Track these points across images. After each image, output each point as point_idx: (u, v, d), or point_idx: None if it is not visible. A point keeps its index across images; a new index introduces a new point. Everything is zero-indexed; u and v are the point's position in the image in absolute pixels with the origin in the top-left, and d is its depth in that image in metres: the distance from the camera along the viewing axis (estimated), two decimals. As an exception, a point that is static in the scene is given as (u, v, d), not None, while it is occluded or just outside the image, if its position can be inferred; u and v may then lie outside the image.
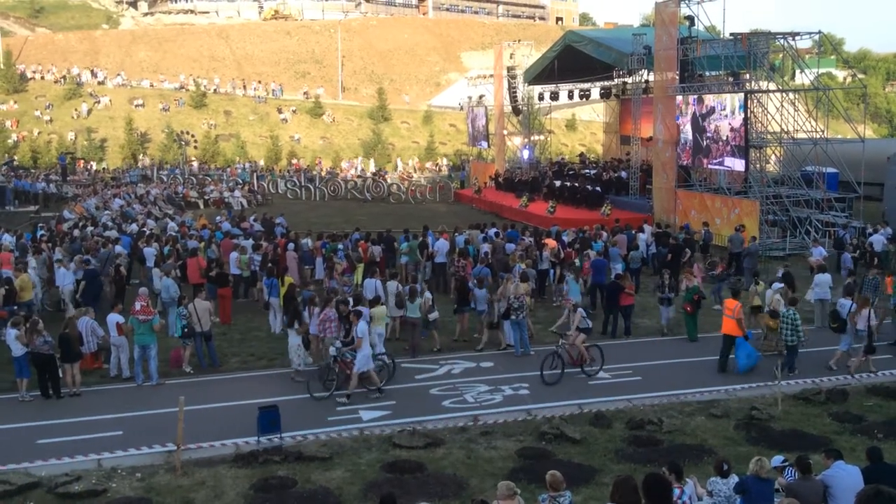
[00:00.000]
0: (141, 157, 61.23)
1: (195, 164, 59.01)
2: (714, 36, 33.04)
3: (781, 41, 29.84)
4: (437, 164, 65.78)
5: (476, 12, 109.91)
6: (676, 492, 8.27)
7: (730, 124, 28.87)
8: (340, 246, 24.14)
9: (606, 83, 43.61)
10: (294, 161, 64.27)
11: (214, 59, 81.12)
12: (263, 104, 72.56)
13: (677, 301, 19.48)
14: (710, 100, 30.09)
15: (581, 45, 40.19)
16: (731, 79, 30.08)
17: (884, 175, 32.76)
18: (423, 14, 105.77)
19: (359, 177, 56.21)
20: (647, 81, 36.51)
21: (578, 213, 34.90)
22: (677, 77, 31.35)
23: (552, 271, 22.54)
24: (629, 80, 39.09)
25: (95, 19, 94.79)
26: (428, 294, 18.28)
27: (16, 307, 18.39)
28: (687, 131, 31.52)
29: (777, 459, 9.81)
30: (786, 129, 29.19)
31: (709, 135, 30.04)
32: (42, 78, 71.04)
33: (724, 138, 29.20)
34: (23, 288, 19.35)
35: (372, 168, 62.02)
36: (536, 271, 21.91)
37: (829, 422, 13.49)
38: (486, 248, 23.91)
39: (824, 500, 8.80)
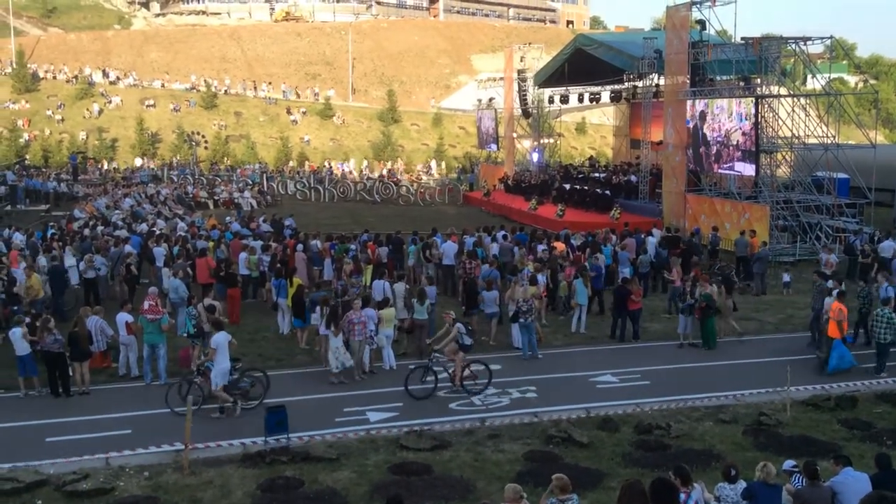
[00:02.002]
0: (143, 158, 61.49)
1: (210, 165, 59.32)
2: (725, 40, 32.93)
3: (793, 46, 29.74)
4: (427, 166, 65.86)
5: (486, 15, 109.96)
6: (682, 496, 8.25)
7: (740, 129, 28.77)
8: (352, 247, 24.20)
9: (617, 87, 43.51)
10: (310, 163, 64.39)
11: (225, 60, 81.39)
12: (274, 105, 72.76)
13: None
14: (709, 104, 30.02)
15: (592, 48, 40.13)
16: (742, 83, 29.99)
17: (895, 181, 32.59)
18: (434, 16, 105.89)
19: (368, 178, 56.32)
20: (657, 85, 36.44)
21: (588, 217, 34.82)
22: (688, 81, 31.27)
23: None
24: (640, 83, 39.01)
25: (107, 19, 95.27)
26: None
27: (16, 308, 18.51)
28: (698, 135, 31.44)
29: (788, 464, 9.76)
30: (796, 134, 29.07)
31: (719, 138, 29.94)
32: (54, 78, 71.41)
33: (735, 143, 29.11)
34: (33, 287, 19.46)
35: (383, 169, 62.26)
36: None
37: (837, 428, 13.42)
38: (495, 248, 23.93)
39: (833, 506, 8.78)
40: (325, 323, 16.24)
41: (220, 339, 14.15)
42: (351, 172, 61.72)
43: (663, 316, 20.84)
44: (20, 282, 19.73)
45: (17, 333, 15.23)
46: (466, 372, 15.35)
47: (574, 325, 19.72)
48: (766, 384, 15.57)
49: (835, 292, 17.49)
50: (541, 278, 20.00)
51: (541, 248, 23.74)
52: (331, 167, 62.69)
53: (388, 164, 65.55)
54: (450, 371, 15.43)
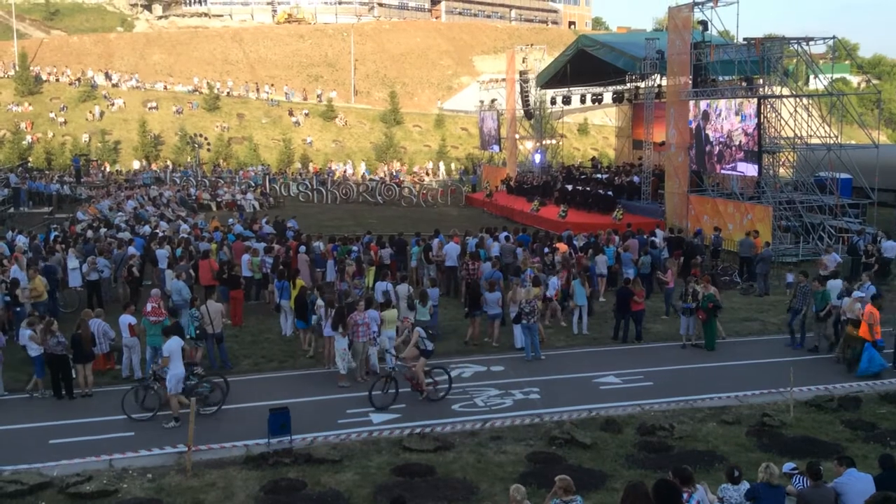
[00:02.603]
0: (139, 161, 61.55)
1: (213, 167, 59.44)
2: (727, 41, 32.93)
3: (795, 46, 29.71)
4: (434, 168, 65.91)
5: (489, 16, 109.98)
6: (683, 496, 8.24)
7: (743, 129, 28.75)
8: (355, 248, 24.22)
9: (619, 87, 43.54)
10: (313, 165, 64.41)
11: (228, 63, 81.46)
12: (276, 107, 72.83)
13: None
14: (715, 104, 29.99)
15: (594, 49, 40.14)
16: (744, 83, 29.97)
17: (898, 181, 32.58)
18: (436, 18, 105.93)
19: (371, 179, 56.36)
20: (659, 86, 36.43)
21: (590, 218, 34.81)
22: (690, 81, 31.26)
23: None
24: (642, 84, 39.03)
25: (110, 22, 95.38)
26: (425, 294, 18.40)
27: (19, 309, 18.55)
28: (700, 136, 31.43)
29: (787, 466, 9.76)
30: (799, 135, 29.05)
31: (721, 139, 29.91)
32: (57, 80, 71.51)
33: (737, 143, 29.09)
34: (36, 289, 19.48)
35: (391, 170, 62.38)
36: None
37: (841, 429, 13.40)
38: (495, 249, 23.94)
39: (836, 507, 8.76)
40: (331, 324, 16.23)
41: (173, 345, 13.95)
42: (353, 174, 61.79)
43: (662, 318, 20.79)
44: (23, 284, 19.74)
45: (25, 335, 15.27)
46: (428, 378, 15.06)
47: (575, 326, 19.71)
48: (770, 385, 15.56)
49: (854, 293, 17.49)
50: (555, 281, 19.92)
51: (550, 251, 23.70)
52: (331, 169, 62.77)
53: (398, 166, 65.69)
54: (410, 377, 15.07)
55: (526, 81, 46.83)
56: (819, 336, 18.07)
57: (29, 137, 62.81)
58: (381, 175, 60.28)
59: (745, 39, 31.21)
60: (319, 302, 17.45)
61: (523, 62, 47.07)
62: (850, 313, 16.92)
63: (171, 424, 13.71)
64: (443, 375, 15.34)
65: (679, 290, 19.71)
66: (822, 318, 17.98)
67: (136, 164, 61.10)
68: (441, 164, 66.92)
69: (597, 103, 47.54)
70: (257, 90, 75.36)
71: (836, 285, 19.35)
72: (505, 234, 26.16)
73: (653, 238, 25.76)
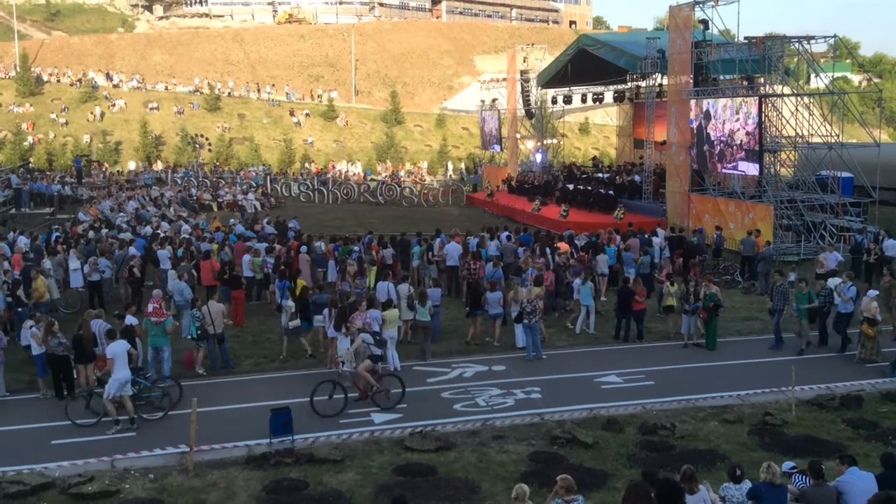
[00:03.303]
0: (136, 162, 61.56)
1: (214, 167, 59.47)
2: (728, 40, 32.91)
3: (796, 45, 29.69)
4: (417, 167, 65.92)
5: (489, 16, 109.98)
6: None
7: (744, 128, 28.73)
8: (356, 248, 24.22)
9: (620, 87, 43.53)
10: (315, 165, 64.41)
11: (229, 63, 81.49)
12: (277, 107, 72.85)
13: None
14: (716, 103, 29.97)
15: (595, 48, 40.13)
16: (745, 82, 29.96)
17: (899, 179, 32.56)
18: (437, 18, 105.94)
19: (372, 179, 56.39)
20: (660, 85, 36.42)
21: (591, 217, 34.79)
22: (691, 81, 31.24)
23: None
24: (643, 83, 39.01)
25: (111, 23, 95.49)
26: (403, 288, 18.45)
27: (21, 310, 18.56)
28: (702, 135, 31.42)
29: (787, 465, 9.75)
30: (800, 134, 29.05)
31: (722, 138, 29.90)
32: (58, 81, 71.54)
33: (738, 142, 29.07)
34: (38, 289, 19.49)
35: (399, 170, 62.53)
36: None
37: (843, 428, 13.40)
38: (493, 248, 23.93)
39: (838, 506, 8.76)
40: (333, 325, 16.22)
41: (117, 348, 13.75)
42: (356, 174, 61.79)
43: (656, 315, 20.68)
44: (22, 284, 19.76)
45: (28, 333, 15.28)
46: (372, 382, 14.72)
47: (579, 325, 19.70)
48: (771, 384, 15.57)
49: (871, 293, 17.47)
50: (578, 283, 19.86)
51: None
52: (335, 169, 62.83)
53: (409, 166, 65.83)
54: (359, 384, 14.80)
55: (527, 81, 46.82)
56: (803, 337, 17.94)
57: (30, 138, 62.83)
58: (384, 175, 60.24)
59: (746, 38, 31.23)
60: (290, 303, 17.77)
61: (524, 62, 47.05)
62: (866, 312, 16.91)
63: (113, 430, 13.48)
64: (397, 388, 14.75)
65: (681, 291, 19.69)
66: (814, 317, 17.94)
67: (131, 165, 61.01)
68: (449, 163, 66.81)
69: (598, 103, 47.51)
70: (258, 90, 75.38)
71: (835, 284, 19.37)
72: (506, 233, 26.15)
73: (653, 237, 25.75)
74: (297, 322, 17.76)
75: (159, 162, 62.12)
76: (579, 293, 19.65)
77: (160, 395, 14.38)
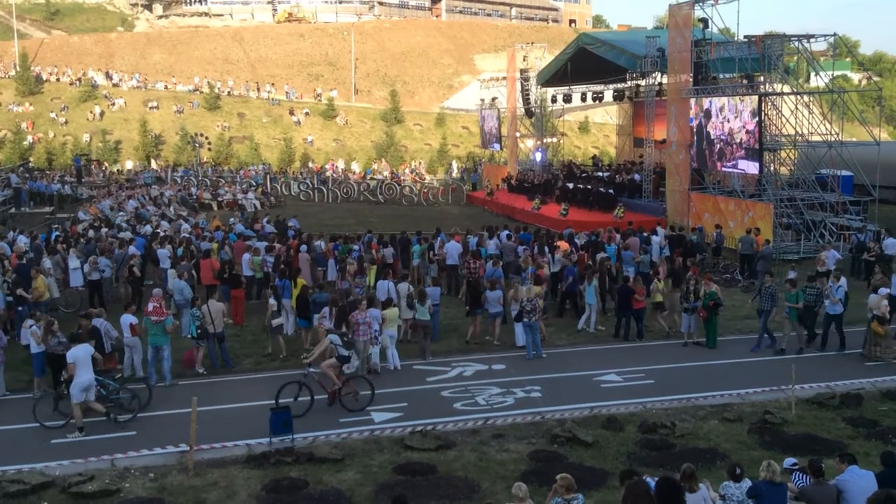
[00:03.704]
0: (133, 162, 61.48)
1: (213, 166, 59.45)
2: (728, 38, 32.90)
3: (796, 43, 29.68)
4: (414, 167, 65.86)
5: (489, 15, 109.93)
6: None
7: (744, 126, 28.73)
8: (356, 247, 24.22)
9: (620, 86, 43.53)
10: (315, 165, 64.40)
11: (228, 62, 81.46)
12: (277, 106, 72.82)
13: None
14: (716, 102, 29.97)
15: (594, 47, 40.12)
16: (745, 81, 29.96)
17: (899, 178, 32.56)
18: (436, 16, 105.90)
19: (372, 178, 56.39)
20: (660, 84, 36.40)
21: (591, 216, 34.80)
22: (691, 79, 31.24)
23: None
24: (642, 82, 39.01)
25: (110, 22, 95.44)
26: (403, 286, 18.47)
27: (21, 308, 18.56)
28: (702, 134, 31.43)
29: (788, 462, 9.75)
30: (800, 132, 29.04)
31: (722, 136, 29.89)
32: (57, 80, 71.52)
33: (738, 141, 29.07)
34: (38, 289, 19.51)
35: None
36: (550, 273, 21.81)
37: (842, 426, 13.40)
38: (492, 246, 23.93)
39: (838, 504, 8.75)
40: (334, 324, 16.22)
41: (79, 353, 13.61)
42: (355, 173, 61.79)
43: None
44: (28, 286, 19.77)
45: (28, 332, 15.27)
46: (346, 388, 14.56)
47: (581, 324, 19.70)
48: (771, 382, 15.57)
49: (881, 291, 17.45)
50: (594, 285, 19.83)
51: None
52: (335, 167, 62.83)
53: (414, 164, 65.90)
54: (326, 385, 14.67)
55: (527, 80, 46.81)
56: (796, 336, 17.82)
57: (30, 137, 62.82)
58: (384, 175, 60.24)
59: (745, 37, 31.18)
60: (273, 301, 17.90)
61: (524, 60, 47.05)
62: (875, 310, 16.90)
63: (74, 435, 13.34)
64: (366, 391, 14.55)
65: (681, 291, 19.70)
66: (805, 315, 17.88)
67: (129, 164, 60.86)
68: (453, 162, 66.70)
69: (597, 101, 47.54)
70: (258, 89, 75.37)
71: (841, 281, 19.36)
72: (506, 232, 26.16)
73: (652, 236, 25.74)
74: (280, 320, 17.82)
75: (153, 161, 61.87)
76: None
77: (129, 397, 14.25)
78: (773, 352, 17.69)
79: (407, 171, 63.72)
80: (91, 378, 13.61)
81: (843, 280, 19.13)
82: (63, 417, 13.84)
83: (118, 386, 14.43)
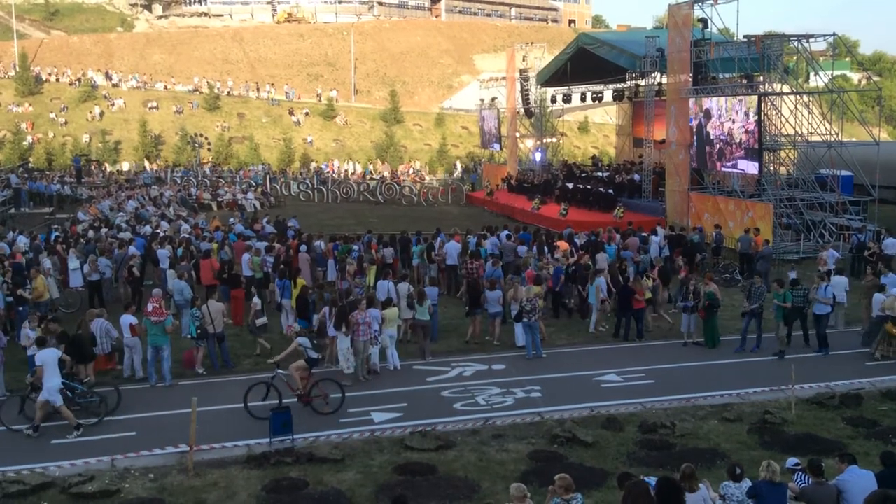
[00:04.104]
0: (129, 162, 61.43)
1: (213, 166, 59.40)
2: (728, 38, 32.90)
3: (795, 43, 29.69)
4: (410, 167, 65.77)
5: (489, 15, 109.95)
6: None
7: (743, 127, 28.74)
8: (356, 247, 24.23)
9: (619, 86, 43.53)
10: (316, 165, 64.35)
11: (228, 62, 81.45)
12: (276, 107, 72.82)
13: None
14: (715, 102, 29.97)
15: (594, 47, 40.12)
16: (744, 81, 29.97)
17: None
18: (436, 17, 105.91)
19: (372, 178, 56.39)
20: (660, 84, 36.40)
21: (591, 216, 34.81)
22: (690, 79, 31.25)
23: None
24: (642, 82, 39.00)
25: (110, 22, 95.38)
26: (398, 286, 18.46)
27: (22, 309, 18.56)
28: (701, 134, 31.43)
29: (791, 461, 9.74)
30: (800, 132, 29.05)
31: (722, 136, 29.90)
32: (57, 80, 71.48)
33: (738, 141, 29.07)
34: (38, 289, 19.51)
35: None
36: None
37: (842, 426, 13.41)
38: (489, 245, 23.92)
39: (838, 504, 8.75)
40: (334, 324, 16.22)
41: (46, 356, 13.47)
42: (355, 173, 61.77)
43: (653, 315, 20.59)
44: (25, 284, 19.78)
45: (28, 335, 15.27)
46: (316, 390, 14.42)
47: (592, 325, 19.74)
48: (771, 382, 15.58)
49: (894, 291, 17.43)
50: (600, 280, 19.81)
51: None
52: (327, 167, 62.75)
53: (417, 165, 66.01)
54: (293, 386, 14.50)
55: (526, 80, 46.80)
56: (783, 338, 17.80)
57: (29, 138, 62.78)
58: (385, 175, 60.23)
59: (745, 37, 31.17)
60: (256, 300, 18.12)
61: (523, 60, 47.03)
62: (889, 310, 16.89)
63: (28, 431, 13.39)
64: (337, 393, 14.38)
65: (680, 290, 19.71)
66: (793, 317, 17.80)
67: (125, 166, 60.63)
68: (457, 163, 66.58)
69: (597, 101, 47.53)
70: (257, 89, 75.35)
71: (839, 281, 19.37)
72: (506, 232, 26.16)
73: (652, 236, 25.73)
74: (263, 320, 17.86)
75: (146, 162, 61.64)
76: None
77: (97, 401, 14.11)
78: (754, 354, 17.53)
79: (410, 170, 63.56)
80: (57, 382, 13.49)
81: (839, 279, 19.18)
82: (28, 421, 13.74)
83: (86, 389, 14.29)
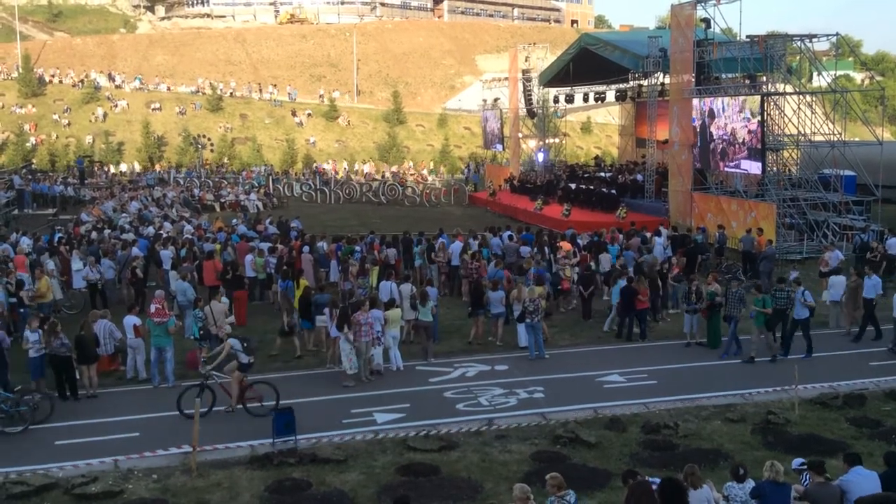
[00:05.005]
0: (126, 164, 61.41)
1: (216, 167, 59.37)
2: (730, 38, 32.87)
3: (798, 43, 29.67)
4: (424, 167, 65.65)
5: (491, 15, 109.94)
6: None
7: (746, 127, 28.71)
8: (357, 248, 24.23)
9: (622, 86, 43.51)
10: (318, 166, 64.32)
11: (231, 63, 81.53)
12: (279, 108, 72.88)
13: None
14: (718, 102, 29.94)
15: (596, 47, 40.12)
16: (747, 81, 29.95)
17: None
18: (439, 17, 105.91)
19: (374, 179, 56.40)
20: (662, 84, 36.37)
21: (594, 216, 34.79)
22: (693, 79, 31.23)
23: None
24: (645, 82, 38.97)
25: (113, 23, 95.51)
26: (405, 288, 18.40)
27: (24, 310, 18.58)
28: (704, 134, 31.40)
29: (797, 462, 9.72)
30: (803, 132, 29.01)
31: (725, 136, 29.88)
32: (60, 82, 71.63)
33: (741, 141, 29.05)
34: (40, 290, 19.54)
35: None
36: (550, 273, 21.80)
37: (846, 426, 13.38)
38: (495, 243, 23.92)
39: (842, 505, 8.73)
40: (335, 325, 16.22)
41: None
42: (367, 174, 61.71)
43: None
44: (27, 286, 19.80)
45: (30, 337, 15.28)
46: (250, 392, 14.32)
47: (607, 325, 19.74)
48: (774, 383, 15.56)
49: (871, 293, 17.35)
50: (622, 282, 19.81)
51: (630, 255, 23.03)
52: (319, 167, 62.68)
53: (431, 164, 65.99)
54: (229, 390, 14.36)
55: (529, 80, 46.78)
56: (765, 343, 17.29)
57: (33, 139, 62.92)
58: (386, 175, 60.20)
59: (748, 37, 31.17)
60: (225, 301, 17.93)
61: (526, 61, 47.01)
62: None
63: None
64: (271, 401, 14.08)
65: (683, 291, 19.73)
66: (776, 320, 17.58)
67: (122, 167, 60.33)
68: (471, 163, 66.30)
69: (599, 102, 47.50)
70: (260, 91, 75.43)
71: (838, 281, 19.38)
72: (508, 232, 26.15)
73: (655, 237, 25.69)
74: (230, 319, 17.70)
75: (137, 164, 61.56)
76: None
77: (28, 409, 13.85)
78: (741, 360, 17.25)
79: (424, 170, 63.21)
80: None
81: (837, 279, 19.14)
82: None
83: (13, 397, 14.03)
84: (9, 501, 10.97)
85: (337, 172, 60.56)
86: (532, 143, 50.07)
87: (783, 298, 17.37)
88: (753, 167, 28.88)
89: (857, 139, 37.98)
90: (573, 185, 39.79)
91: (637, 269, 20.85)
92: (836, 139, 28.48)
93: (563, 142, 52.34)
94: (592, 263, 22.19)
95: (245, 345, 14.80)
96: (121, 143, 63.95)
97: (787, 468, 9.41)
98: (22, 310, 18.79)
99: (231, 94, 74.06)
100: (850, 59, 77.69)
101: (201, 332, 16.48)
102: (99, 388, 15.47)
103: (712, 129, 30.60)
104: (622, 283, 19.23)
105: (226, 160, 61.83)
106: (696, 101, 31.38)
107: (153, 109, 68.74)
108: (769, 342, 17.32)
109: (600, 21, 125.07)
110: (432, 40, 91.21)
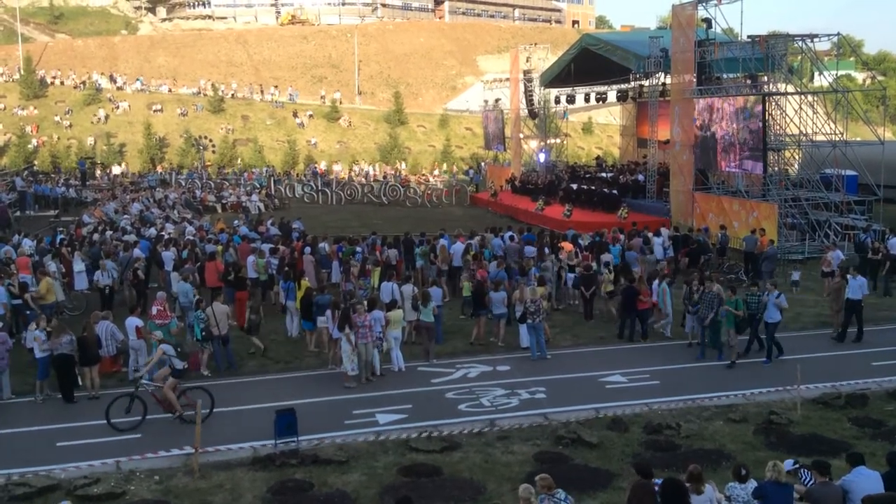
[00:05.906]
0: (121, 165, 61.37)
1: (218, 169, 59.35)
2: (732, 38, 32.87)
3: (800, 43, 29.65)
4: (395, 169, 65.32)
5: (492, 16, 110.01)
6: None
7: (748, 127, 28.70)
8: (359, 249, 24.22)
9: (623, 86, 43.47)
10: (319, 168, 64.25)
11: (232, 65, 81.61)
12: (281, 109, 72.92)
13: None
14: (717, 102, 29.93)
15: (597, 48, 40.11)
16: (748, 81, 29.94)
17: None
18: (440, 18, 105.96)
19: (376, 180, 56.42)
20: (664, 84, 36.35)
21: (595, 217, 34.79)
22: (694, 79, 31.22)
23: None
24: (646, 82, 38.95)
25: (114, 25, 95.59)
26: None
27: (29, 312, 18.59)
28: (706, 134, 31.40)
29: (788, 463, 9.72)
30: (804, 132, 29.00)
31: (726, 136, 29.86)
32: (62, 83, 71.74)
33: (742, 141, 29.03)
34: (45, 291, 19.55)
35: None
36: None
37: (848, 426, 13.37)
38: (497, 244, 23.91)
39: (844, 505, 8.72)
40: (337, 326, 16.22)
41: None
42: (359, 175, 61.75)
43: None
44: (31, 287, 19.82)
45: (34, 336, 15.29)
46: (183, 399, 14.02)
47: (668, 330, 19.56)
48: (776, 383, 15.53)
49: (851, 294, 17.32)
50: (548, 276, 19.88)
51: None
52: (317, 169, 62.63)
53: (442, 167, 65.86)
54: (160, 397, 13.99)
55: (530, 81, 46.76)
56: (733, 347, 17.09)
57: (34, 141, 63.00)
58: (384, 175, 60.21)
59: (749, 37, 31.14)
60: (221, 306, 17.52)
61: (527, 61, 47.00)
62: None
63: None
64: (206, 408, 13.69)
65: (685, 291, 19.67)
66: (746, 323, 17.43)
67: (116, 169, 59.96)
68: (482, 164, 66.10)
69: (601, 102, 47.46)
70: (261, 92, 75.48)
71: (859, 283, 19.28)
72: (509, 233, 26.13)
73: (655, 237, 25.69)
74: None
75: (125, 165, 61.59)
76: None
77: None
78: (725, 366, 17.01)
79: (436, 171, 63.05)
80: None
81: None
82: None
83: None
84: (11, 503, 10.98)
85: (340, 176, 60.50)
86: (533, 144, 50.06)
87: (754, 304, 17.23)
88: (755, 167, 28.87)
89: (858, 139, 37.95)
90: (574, 186, 39.78)
91: (624, 268, 20.91)
92: (837, 139, 28.45)
93: (565, 142, 52.33)
94: (594, 263, 22.16)
95: (179, 349, 14.74)
96: (122, 144, 64.03)
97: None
98: (28, 311, 18.80)
99: (232, 95, 74.13)
100: (852, 58, 77.60)
101: (203, 333, 16.48)
102: (101, 389, 15.46)
103: (714, 128, 30.59)
104: (664, 285, 19.06)
105: (226, 170, 61.67)
106: (697, 101, 31.35)
107: (155, 111, 68.82)
108: (731, 344, 17.05)
109: (601, 21, 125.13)
110: (433, 41, 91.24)
